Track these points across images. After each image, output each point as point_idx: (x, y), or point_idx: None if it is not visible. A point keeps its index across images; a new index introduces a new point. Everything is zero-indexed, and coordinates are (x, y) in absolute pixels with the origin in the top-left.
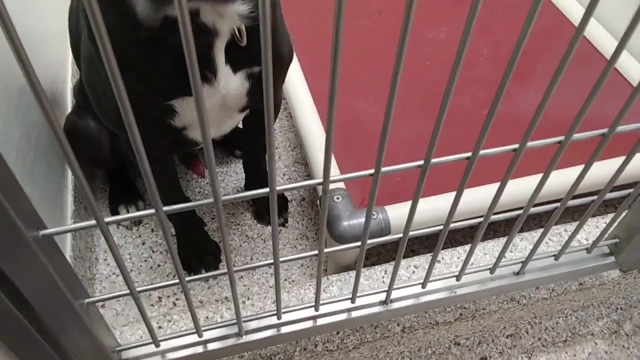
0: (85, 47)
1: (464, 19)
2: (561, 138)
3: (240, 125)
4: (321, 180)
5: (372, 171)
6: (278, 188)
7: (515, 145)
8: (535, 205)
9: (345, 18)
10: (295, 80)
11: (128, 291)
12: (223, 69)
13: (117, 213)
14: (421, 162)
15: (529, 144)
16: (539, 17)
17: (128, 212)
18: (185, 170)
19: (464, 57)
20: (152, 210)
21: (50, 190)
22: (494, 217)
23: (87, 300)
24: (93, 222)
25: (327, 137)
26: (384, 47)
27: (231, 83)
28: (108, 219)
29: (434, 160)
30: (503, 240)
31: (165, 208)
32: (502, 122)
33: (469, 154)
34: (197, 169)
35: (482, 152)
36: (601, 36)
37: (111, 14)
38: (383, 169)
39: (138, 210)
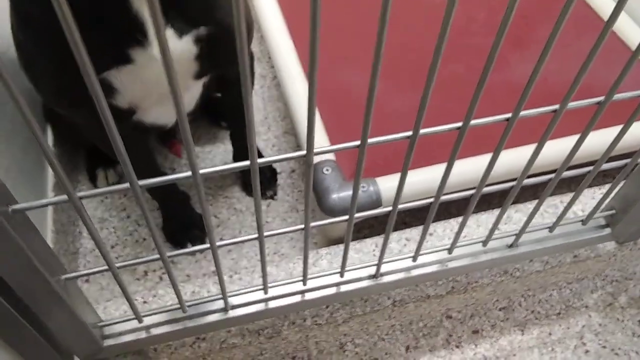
0: (11, 16)
1: None
2: (556, 107)
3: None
4: (304, 152)
5: (358, 142)
6: (260, 161)
7: (508, 115)
8: (531, 176)
9: None
10: (284, 49)
11: (107, 267)
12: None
13: (95, 176)
14: (409, 133)
15: (523, 112)
16: None
17: (106, 175)
18: (162, 148)
19: (459, 24)
20: (127, 185)
21: (29, 162)
22: (486, 189)
23: (64, 276)
24: (64, 197)
25: (310, 107)
26: (377, 15)
27: (173, 47)
28: (81, 194)
29: (422, 131)
30: (497, 212)
31: (140, 182)
32: (501, 90)
33: (459, 124)
34: (174, 148)
35: (472, 122)
36: (607, 3)
37: None
38: (370, 140)
39: (117, 173)
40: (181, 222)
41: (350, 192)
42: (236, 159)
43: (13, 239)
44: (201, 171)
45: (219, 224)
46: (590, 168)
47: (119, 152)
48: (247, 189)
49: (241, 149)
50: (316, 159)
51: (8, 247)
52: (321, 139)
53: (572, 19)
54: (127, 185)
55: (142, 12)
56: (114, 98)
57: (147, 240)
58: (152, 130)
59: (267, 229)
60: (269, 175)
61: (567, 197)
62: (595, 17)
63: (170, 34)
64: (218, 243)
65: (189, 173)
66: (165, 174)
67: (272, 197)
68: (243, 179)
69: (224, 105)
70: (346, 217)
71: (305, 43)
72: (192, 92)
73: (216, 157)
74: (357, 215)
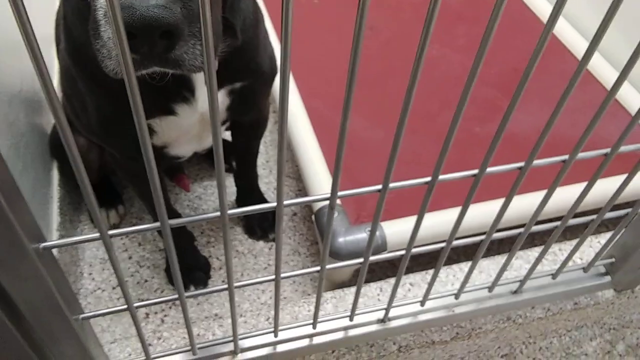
0: (62, 59)
1: (456, 37)
2: (565, 157)
3: (229, 139)
4: (328, 195)
5: (379, 187)
6: (286, 202)
7: (521, 164)
8: (536, 223)
9: (337, 34)
10: (289, 95)
11: (125, 306)
12: (202, 88)
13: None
14: (428, 179)
15: (535, 162)
16: (532, 38)
17: (108, 216)
18: (170, 182)
19: (452, 75)
20: (158, 224)
21: (36, 202)
22: (495, 235)
23: (82, 316)
24: (97, 234)
25: (338, 155)
26: (377, 63)
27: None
28: (112, 232)
29: (441, 177)
30: (498, 258)
31: (171, 222)
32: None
33: (475, 171)
34: (182, 182)
35: (488, 169)
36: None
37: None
38: (391, 185)
39: (118, 214)
40: (185, 264)
41: (356, 236)
42: (239, 199)
43: (42, 275)
44: (229, 211)
45: (221, 267)
46: (592, 217)
47: (155, 188)
48: (250, 232)
49: (244, 191)
50: (321, 203)
51: (35, 283)
52: (327, 183)
53: (567, 76)
54: (157, 224)
55: (193, 78)
56: (152, 138)
57: (148, 281)
58: (167, 161)
59: (269, 272)
60: (271, 218)
61: (565, 245)
62: (589, 75)
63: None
64: (235, 284)
65: (218, 213)
66: (177, 213)
67: (274, 240)
68: (245, 222)
69: (230, 148)
70: (360, 260)
71: (309, 88)
72: None
73: (218, 199)
74: (370, 258)
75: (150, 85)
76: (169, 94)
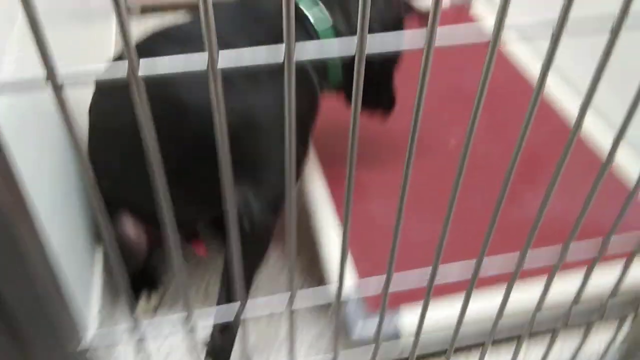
0: None
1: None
2: (554, 262)
3: None
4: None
5: (380, 288)
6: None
7: (514, 260)
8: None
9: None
10: (317, 187)
11: None
12: None
13: (138, 298)
14: (427, 278)
15: (526, 267)
16: (547, 124)
17: (150, 297)
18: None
19: (476, 162)
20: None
21: (78, 288)
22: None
23: None
24: (132, 327)
25: (342, 255)
26: (400, 150)
27: None
28: (143, 327)
29: (436, 283)
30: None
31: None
32: (515, 226)
33: (468, 276)
34: (199, 248)
35: (481, 273)
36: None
37: None
38: (390, 290)
39: (158, 294)
40: None
41: (374, 322)
42: None
43: None
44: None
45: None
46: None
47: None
48: None
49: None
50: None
51: None
52: (347, 270)
53: (575, 160)
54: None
55: None
56: None
57: None
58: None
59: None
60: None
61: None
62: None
63: None
64: None
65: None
66: None
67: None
68: None
69: None
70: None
71: (336, 180)
72: None
73: None
74: None
75: None
76: None
